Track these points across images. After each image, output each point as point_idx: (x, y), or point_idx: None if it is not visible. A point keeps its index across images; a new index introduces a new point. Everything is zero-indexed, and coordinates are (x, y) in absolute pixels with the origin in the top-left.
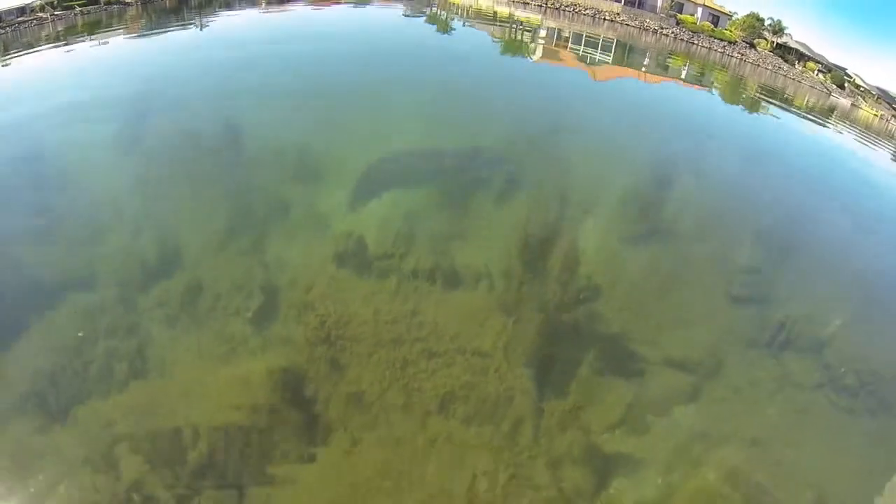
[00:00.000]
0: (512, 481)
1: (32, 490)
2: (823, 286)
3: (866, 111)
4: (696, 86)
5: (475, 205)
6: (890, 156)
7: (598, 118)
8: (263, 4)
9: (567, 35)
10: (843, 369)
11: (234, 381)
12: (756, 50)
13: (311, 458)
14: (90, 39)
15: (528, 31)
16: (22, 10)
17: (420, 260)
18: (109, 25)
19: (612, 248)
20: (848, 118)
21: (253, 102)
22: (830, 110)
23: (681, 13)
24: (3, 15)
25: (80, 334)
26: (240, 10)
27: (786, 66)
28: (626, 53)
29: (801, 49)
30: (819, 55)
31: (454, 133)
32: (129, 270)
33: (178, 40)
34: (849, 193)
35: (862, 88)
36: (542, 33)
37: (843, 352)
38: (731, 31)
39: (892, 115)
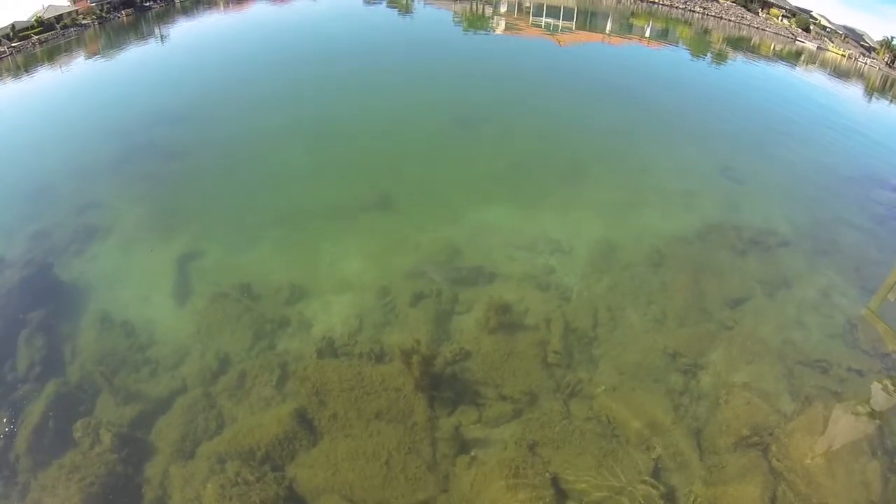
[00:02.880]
0: (409, 452)
1: (190, 482)
2: (606, 362)
3: (833, 52)
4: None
5: (399, 303)
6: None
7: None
8: (222, 6)
9: (528, 5)
10: (601, 413)
11: (271, 419)
12: (718, 2)
13: (313, 447)
14: (51, 67)
15: (489, 3)
16: None
17: (363, 346)
18: (69, 49)
19: (477, 334)
20: (815, 61)
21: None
22: (797, 55)
23: None
24: None
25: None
26: (200, 14)
27: (749, 16)
28: (587, 19)
29: None
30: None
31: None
32: (203, 376)
33: (134, 60)
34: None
35: (828, 29)
36: (503, 8)
37: (601, 403)
38: None
39: (861, 54)
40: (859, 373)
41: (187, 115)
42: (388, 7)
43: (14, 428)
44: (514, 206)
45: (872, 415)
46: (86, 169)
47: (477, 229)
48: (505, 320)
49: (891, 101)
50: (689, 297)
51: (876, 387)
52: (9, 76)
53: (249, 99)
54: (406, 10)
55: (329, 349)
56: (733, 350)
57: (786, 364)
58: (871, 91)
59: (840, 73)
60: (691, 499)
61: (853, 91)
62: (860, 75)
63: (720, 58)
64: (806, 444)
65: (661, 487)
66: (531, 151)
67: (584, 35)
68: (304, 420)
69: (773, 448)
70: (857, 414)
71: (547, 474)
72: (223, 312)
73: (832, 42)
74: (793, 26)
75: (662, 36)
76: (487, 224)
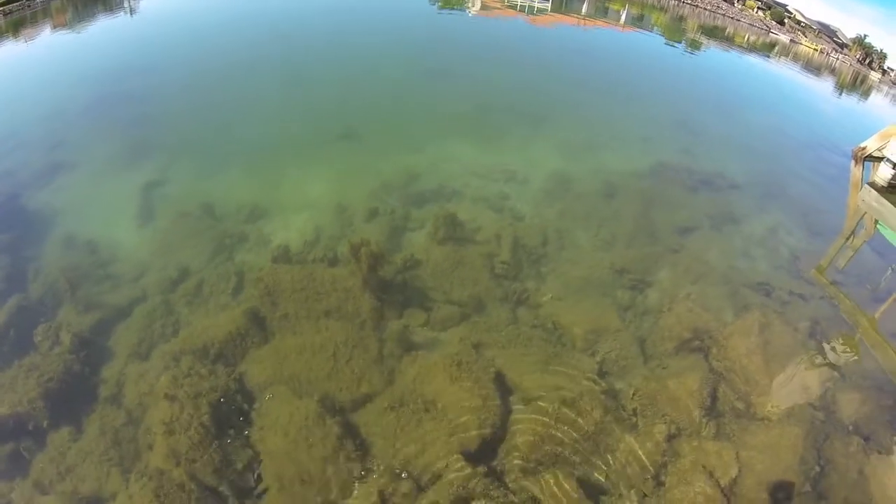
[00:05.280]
0: (355, 348)
1: (145, 377)
2: (554, 278)
3: (806, 46)
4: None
5: (356, 219)
6: None
7: None
8: None
9: None
10: (547, 320)
11: (227, 319)
12: None
13: (264, 344)
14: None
15: None
16: None
17: (316, 253)
18: (35, 21)
19: (427, 244)
20: (788, 53)
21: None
22: (771, 46)
23: None
24: None
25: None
26: None
27: (724, 5)
28: (563, 1)
29: None
30: None
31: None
32: (162, 286)
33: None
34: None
35: (803, 24)
36: None
37: (548, 311)
38: None
39: (833, 49)
40: (802, 297)
41: (160, 69)
42: None
43: None
44: (475, 141)
45: (813, 328)
46: (55, 115)
47: (437, 159)
48: (455, 234)
49: (860, 96)
50: (639, 223)
51: (816, 306)
52: None
53: (223, 59)
54: None
55: (284, 257)
56: (679, 270)
57: (730, 286)
58: (841, 86)
59: (812, 66)
60: (631, 392)
61: (823, 83)
62: (831, 70)
63: (693, 45)
64: (744, 346)
65: (604, 384)
66: (496, 99)
67: (558, 17)
68: (256, 319)
69: (714, 350)
70: (796, 329)
71: (491, 369)
72: (185, 230)
73: (805, 36)
74: (767, 18)
75: (638, 21)
76: (447, 155)
